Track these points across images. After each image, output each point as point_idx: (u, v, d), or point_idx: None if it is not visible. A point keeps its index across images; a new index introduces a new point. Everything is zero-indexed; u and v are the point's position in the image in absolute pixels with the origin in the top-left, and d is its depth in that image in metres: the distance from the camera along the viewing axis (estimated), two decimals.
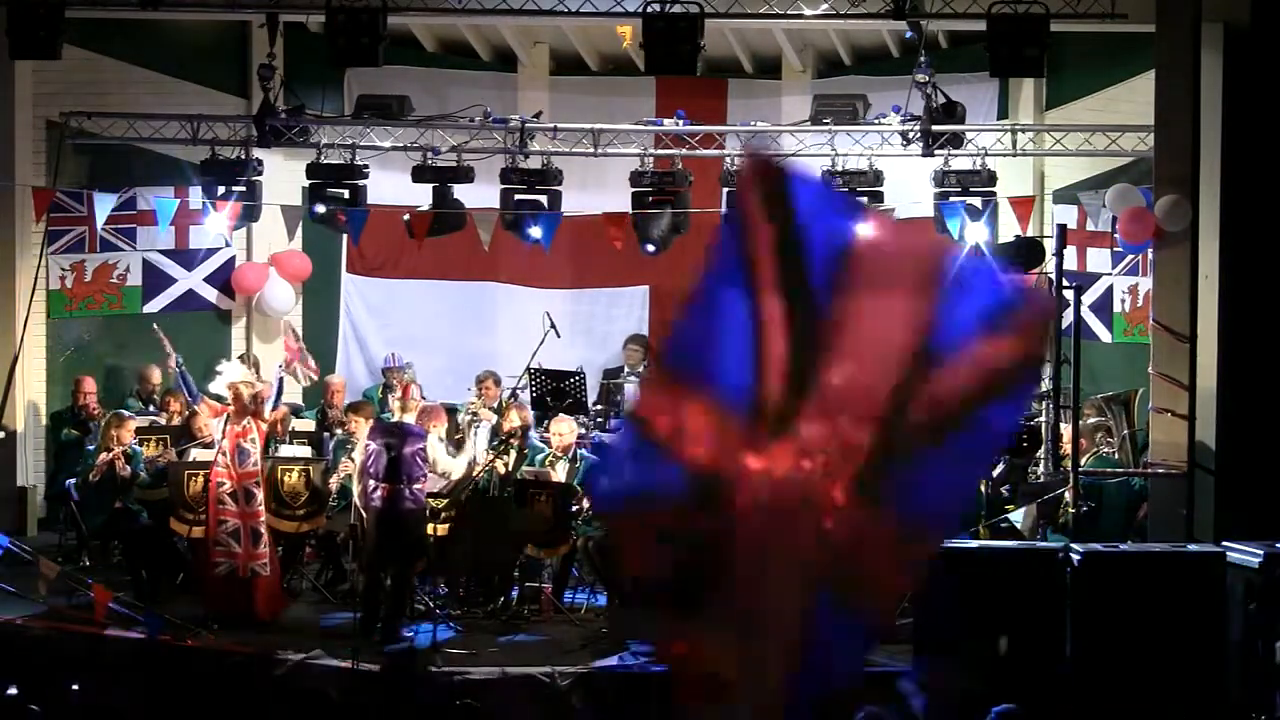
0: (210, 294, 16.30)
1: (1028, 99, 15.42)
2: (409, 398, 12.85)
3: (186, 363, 13.60)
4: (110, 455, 13.37)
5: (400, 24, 14.91)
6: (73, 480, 13.73)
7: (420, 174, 14.85)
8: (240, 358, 14.92)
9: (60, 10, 13.27)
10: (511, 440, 13.16)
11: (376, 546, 12.18)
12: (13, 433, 14.84)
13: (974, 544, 11.39)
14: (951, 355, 4.47)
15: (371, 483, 12.16)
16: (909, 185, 14.91)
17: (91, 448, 13.87)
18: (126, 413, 14.02)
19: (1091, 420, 12.99)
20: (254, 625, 12.22)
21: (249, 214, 15.20)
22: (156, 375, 15.01)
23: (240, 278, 16.29)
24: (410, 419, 12.46)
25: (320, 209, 15.07)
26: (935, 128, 14.13)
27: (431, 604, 12.57)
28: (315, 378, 15.23)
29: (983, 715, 8.78)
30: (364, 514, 12.30)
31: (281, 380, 13.05)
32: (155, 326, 14.30)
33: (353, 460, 12.77)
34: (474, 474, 12.90)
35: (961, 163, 14.38)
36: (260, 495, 12.51)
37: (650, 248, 14.85)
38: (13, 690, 9.44)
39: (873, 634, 4.82)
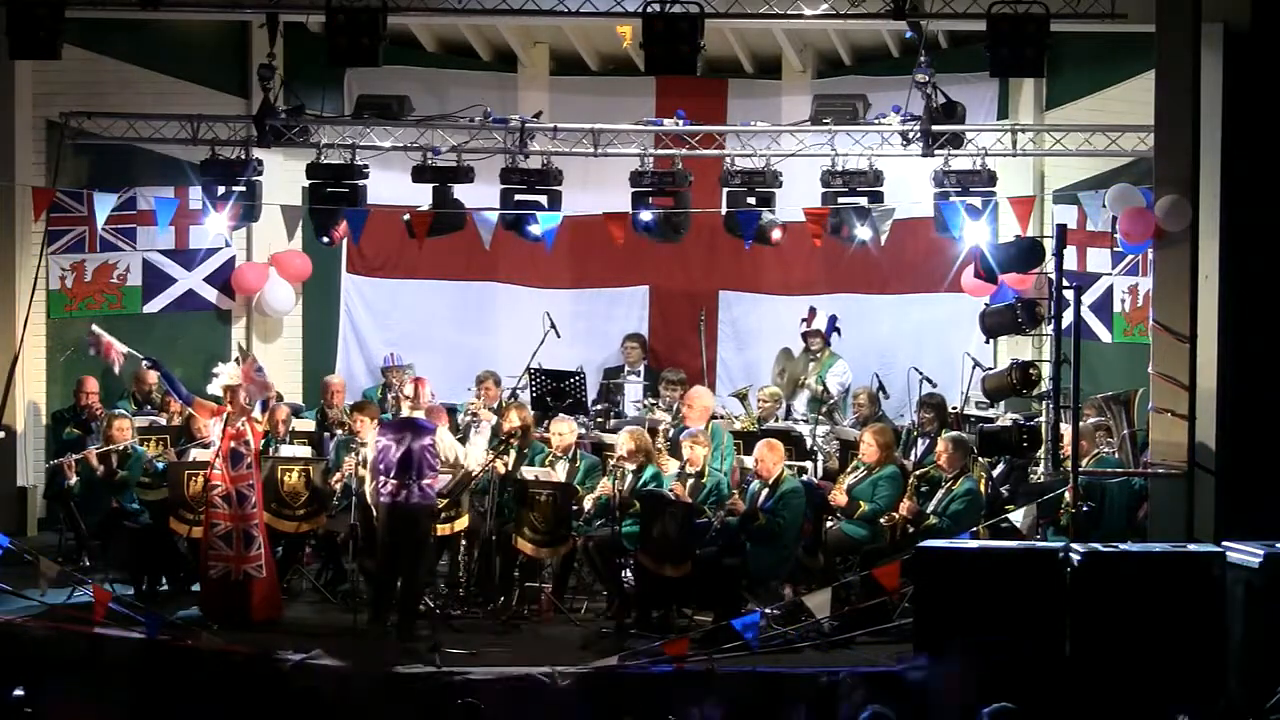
0: (210, 294, 16.30)
1: (1028, 99, 15.43)
2: (422, 394, 12.77)
3: (186, 363, 13.60)
4: (85, 452, 13.36)
5: (400, 24, 14.92)
6: (70, 481, 13.71)
7: (420, 174, 14.84)
8: (237, 359, 14.91)
9: (60, 10, 13.24)
10: (511, 440, 13.17)
11: (387, 543, 12.19)
12: (13, 432, 14.84)
13: (974, 544, 11.39)
14: None
15: (382, 478, 12.18)
16: (909, 185, 14.91)
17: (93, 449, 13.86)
18: (120, 411, 14.03)
19: (1091, 420, 12.99)
20: (253, 626, 12.23)
21: (249, 214, 15.19)
22: (152, 375, 15.01)
23: (240, 278, 16.29)
24: (421, 414, 12.46)
25: (325, 239, 15.12)
26: (935, 128, 14.12)
27: (432, 604, 12.58)
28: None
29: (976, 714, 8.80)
30: (374, 510, 12.30)
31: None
32: (94, 328, 14.25)
33: (357, 459, 12.76)
34: (474, 474, 12.91)
35: (961, 163, 14.37)
36: (254, 498, 12.50)
37: (645, 218, 14.78)
38: (19, 692, 9.42)
39: None
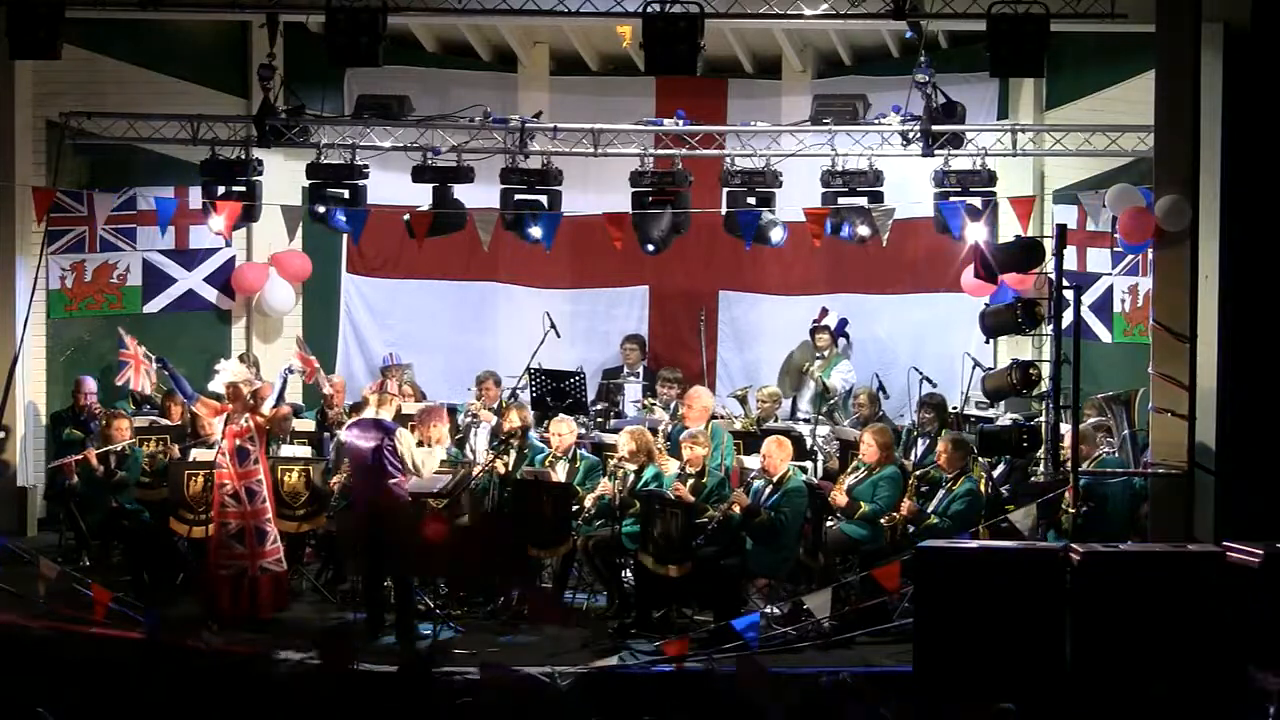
0: (210, 294, 16.31)
1: (1028, 99, 15.43)
2: (385, 393, 12.83)
3: (186, 363, 13.58)
4: (82, 454, 13.38)
5: (400, 24, 14.92)
6: (72, 480, 13.72)
7: (420, 174, 14.84)
8: (240, 357, 14.93)
9: (60, 10, 13.26)
10: (511, 440, 13.17)
11: (365, 544, 12.21)
12: (13, 432, 14.84)
13: (974, 544, 11.39)
14: None
15: (356, 480, 12.24)
16: (909, 185, 14.91)
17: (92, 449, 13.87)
18: (119, 410, 14.04)
19: (1092, 420, 13.00)
20: (254, 625, 12.23)
21: (249, 214, 15.19)
22: (153, 375, 15.02)
23: (240, 278, 16.29)
24: (386, 414, 12.45)
25: (320, 209, 15.07)
26: (935, 128, 14.13)
27: (431, 604, 12.58)
28: (330, 391, 15.15)
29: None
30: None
31: (285, 380, 13.07)
32: (121, 330, 14.38)
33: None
34: (474, 474, 12.90)
35: (961, 163, 14.38)
36: (264, 493, 12.52)
37: (650, 247, 14.86)
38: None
39: None
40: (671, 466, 12.80)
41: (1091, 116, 14.81)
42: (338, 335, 16.78)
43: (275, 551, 12.48)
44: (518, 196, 14.78)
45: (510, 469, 13.08)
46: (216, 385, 12.79)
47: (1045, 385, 12.29)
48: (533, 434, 13.54)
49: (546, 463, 13.18)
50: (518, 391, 14.52)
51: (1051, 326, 12.03)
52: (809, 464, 13.68)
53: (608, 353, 16.32)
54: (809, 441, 14.02)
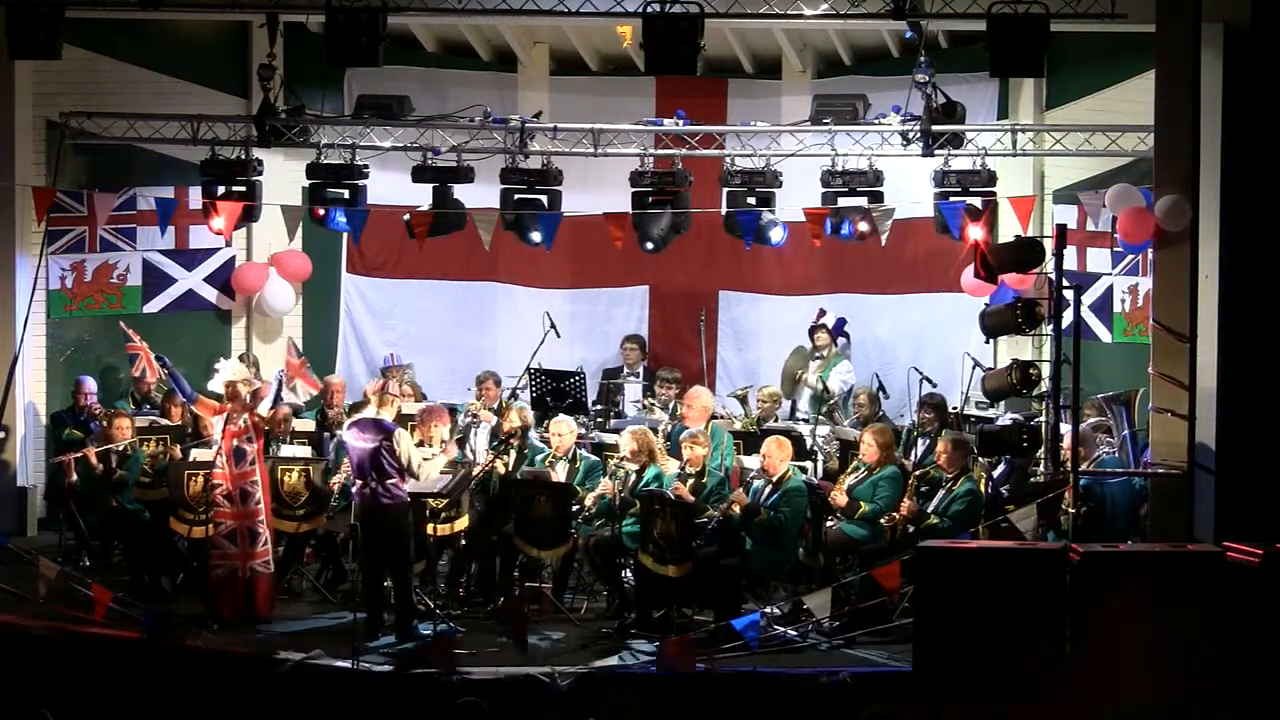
0: (210, 294, 16.31)
1: (1028, 99, 15.43)
2: (386, 394, 12.84)
3: (186, 363, 13.56)
4: (82, 452, 13.40)
5: (400, 24, 14.92)
6: (72, 478, 13.72)
7: (420, 174, 14.84)
8: (240, 357, 14.93)
9: (60, 10, 13.26)
10: (511, 440, 13.17)
11: (364, 543, 12.23)
12: (13, 432, 14.84)
13: (974, 544, 11.39)
14: None
15: (352, 478, 12.24)
16: (909, 185, 14.91)
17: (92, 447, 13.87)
18: (120, 410, 14.05)
19: (1092, 420, 13.00)
20: (254, 625, 12.24)
21: (249, 214, 15.19)
22: (153, 375, 15.03)
23: (240, 278, 16.29)
24: (388, 415, 12.45)
25: (320, 209, 15.10)
26: (935, 128, 14.13)
27: (431, 604, 12.58)
28: (315, 392, 15.17)
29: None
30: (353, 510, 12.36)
31: (280, 381, 13.07)
32: (122, 325, 14.42)
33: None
34: (474, 474, 12.90)
35: (961, 163, 14.39)
36: (258, 494, 12.52)
37: (649, 245, 14.86)
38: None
39: None
40: (672, 466, 12.80)
41: (1091, 116, 14.81)
42: (338, 335, 16.79)
43: (265, 553, 12.50)
44: (518, 196, 14.79)
45: (510, 469, 13.07)
46: (216, 385, 12.79)
47: (1045, 385, 12.29)
48: (533, 434, 13.55)
49: (546, 463, 13.18)
50: (518, 391, 14.52)
51: (1051, 326, 12.03)
52: (809, 464, 13.68)
53: (608, 353, 16.32)
54: (809, 441, 14.02)
